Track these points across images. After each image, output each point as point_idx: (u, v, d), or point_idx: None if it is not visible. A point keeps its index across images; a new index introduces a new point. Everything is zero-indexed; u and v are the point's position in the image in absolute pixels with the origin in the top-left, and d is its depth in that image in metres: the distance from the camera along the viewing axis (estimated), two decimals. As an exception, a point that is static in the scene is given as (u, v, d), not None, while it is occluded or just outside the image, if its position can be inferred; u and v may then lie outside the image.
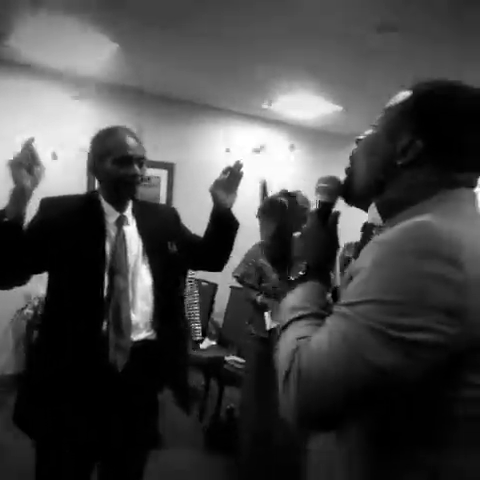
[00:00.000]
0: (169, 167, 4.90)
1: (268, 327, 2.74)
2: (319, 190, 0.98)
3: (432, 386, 0.70)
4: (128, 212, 1.66)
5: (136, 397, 1.60)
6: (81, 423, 1.50)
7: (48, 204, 1.56)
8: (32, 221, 1.53)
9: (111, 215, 1.61)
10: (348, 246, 4.86)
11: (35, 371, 1.55)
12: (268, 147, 5.63)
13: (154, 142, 4.73)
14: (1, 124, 3.77)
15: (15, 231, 1.34)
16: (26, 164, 1.33)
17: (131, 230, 1.64)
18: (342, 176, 0.96)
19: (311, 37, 3.25)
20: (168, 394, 1.77)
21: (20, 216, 1.35)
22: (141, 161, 1.61)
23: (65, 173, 3.95)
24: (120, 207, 1.63)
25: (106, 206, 1.62)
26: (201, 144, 5.14)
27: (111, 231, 1.59)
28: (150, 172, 4.77)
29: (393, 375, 0.67)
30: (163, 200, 4.91)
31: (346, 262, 4.76)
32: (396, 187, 0.84)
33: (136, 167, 1.58)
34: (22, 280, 1.48)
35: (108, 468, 1.69)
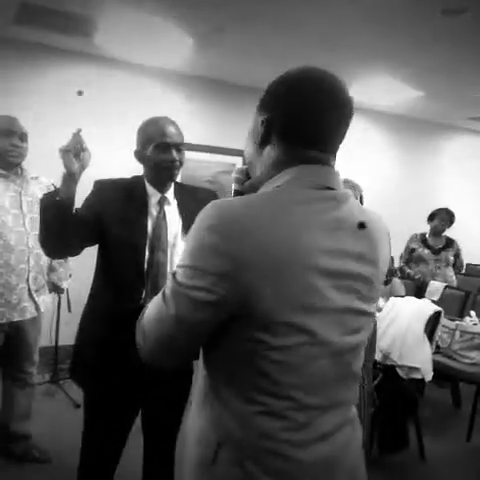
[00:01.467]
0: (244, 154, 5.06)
1: None
2: (234, 180, 1.11)
3: (228, 338, 0.87)
4: (169, 194, 1.83)
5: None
6: (122, 378, 1.71)
7: (100, 185, 1.78)
8: (86, 200, 1.76)
9: (153, 196, 1.79)
10: (412, 237, 4.76)
11: (84, 333, 1.80)
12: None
13: (229, 130, 4.94)
14: (86, 115, 4.14)
15: (66, 208, 1.55)
16: (74, 151, 1.54)
17: (172, 210, 1.82)
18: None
19: (379, 22, 3.21)
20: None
21: (70, 196, 1.56)
22: (179, 148, 1.77)
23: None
24: (161, 189, 1.80)
25: (149, 188, 1.80)
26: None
27: (153, 210, 1.78)
28: (226, 159, 4.98)
29: (187, 323, 0.85)
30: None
31: (411, 252, 4.66)
32: (259, 167, 0.95)
33: (174, 153, 1.74)
34: (74, 252, 1.71)
35: (149, 417, 1.91)
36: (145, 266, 1.72)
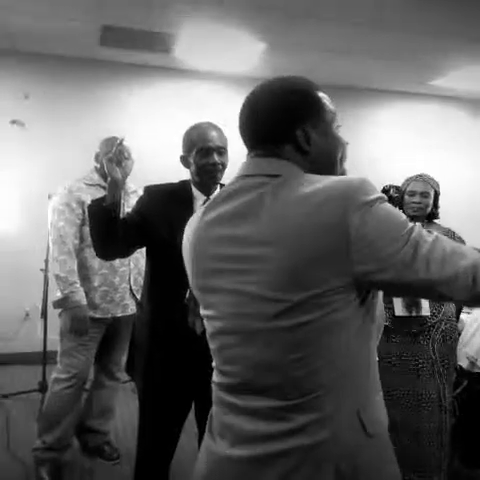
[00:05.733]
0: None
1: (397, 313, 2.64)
2: None
3: None
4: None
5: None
6: (174, 372, 1.78)
7: (148, 190, 1.88)
8: (136, 204, 1.87)
9: (199, 199, 1.85)
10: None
11: (136, 331, 1.90)
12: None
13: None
14: (171, 124, 4.34)
15: (111, 214, 1.67)
16: (116, 160, 1.65)
17: None
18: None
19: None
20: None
21: (115, 201, 1.67)
22: (221, 151, 1.80)
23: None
24: (206, 191, 1.85)
25: (195, 191, 1.86)
26: (362, 130, 5.07)
27: None
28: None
29: None
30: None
31: None
32: None
33: (216, 156, 1.78)
34: (124, 253, 1.83)
35: (203, 409, 1.91)
36: (190, 267, 1.77)
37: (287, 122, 0.96)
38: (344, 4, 3.08)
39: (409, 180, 2.60)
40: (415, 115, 5.26)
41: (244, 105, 1.02)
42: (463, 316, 2.99)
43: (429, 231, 0.88)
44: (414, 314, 2.50)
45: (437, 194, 2.60)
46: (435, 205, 2.60)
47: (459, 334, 2.63)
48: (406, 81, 4.77)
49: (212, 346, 1.03)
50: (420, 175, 2.60)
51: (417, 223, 0.88)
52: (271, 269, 0.87)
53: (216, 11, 3.20)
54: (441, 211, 2.64)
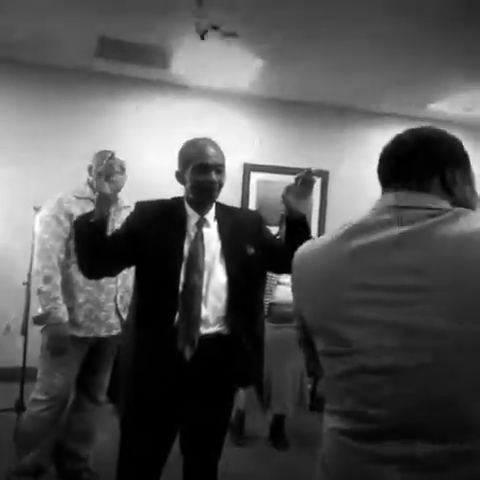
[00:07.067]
0: (323, 175, 4.93)
1: None
2: None
3: None
4: (210, 215, 1.79)
5: (206, 384, 1.73)
6: (156, 399, 1.69)
7: (139, 207, 1.79)
8: (126, 220, 1.78)
9: (192, 217, 1.76)
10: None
11: (120, 354, 1.80)
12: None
13: (307, 150, 4.85)
14: (165, 140, 4.29)
15: (99, 230, 1.58)
16: (105, 174, 1.57)
17: (211, 231, 1.77)
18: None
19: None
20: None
21: (103, 217, 1.59)
22: (219, 169, 1.73)
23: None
24: (201, 210, 1.77)
25: (188, 209, 1.78)
26: (357, 151, 5.04)
27: (191, 232, 1.75)
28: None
29: None
30: (316, 207, 4.97)
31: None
32: None
33: (213, 174, 1.71)
34: (111, 272, 1.74)
35: (188, 437, 1.83)
36: (180, 288, 1.69)
37: (440, 161, 1.00)
38: (343, 23, 3.06)
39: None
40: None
41: (396, 140, 1.06)
42: None
43: None
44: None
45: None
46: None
47: None
48: (404, 104, 4.77)
49: (342, 385, 0.94)
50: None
51: None
52: (442, 300, 0.84)
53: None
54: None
